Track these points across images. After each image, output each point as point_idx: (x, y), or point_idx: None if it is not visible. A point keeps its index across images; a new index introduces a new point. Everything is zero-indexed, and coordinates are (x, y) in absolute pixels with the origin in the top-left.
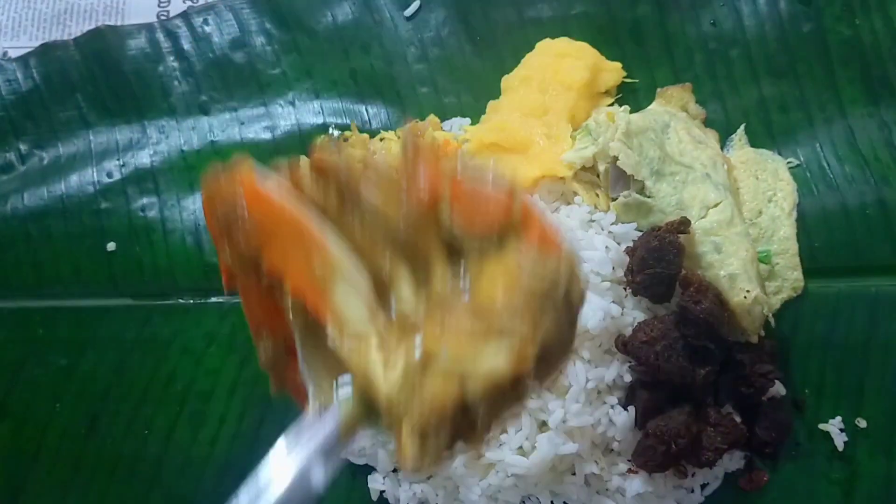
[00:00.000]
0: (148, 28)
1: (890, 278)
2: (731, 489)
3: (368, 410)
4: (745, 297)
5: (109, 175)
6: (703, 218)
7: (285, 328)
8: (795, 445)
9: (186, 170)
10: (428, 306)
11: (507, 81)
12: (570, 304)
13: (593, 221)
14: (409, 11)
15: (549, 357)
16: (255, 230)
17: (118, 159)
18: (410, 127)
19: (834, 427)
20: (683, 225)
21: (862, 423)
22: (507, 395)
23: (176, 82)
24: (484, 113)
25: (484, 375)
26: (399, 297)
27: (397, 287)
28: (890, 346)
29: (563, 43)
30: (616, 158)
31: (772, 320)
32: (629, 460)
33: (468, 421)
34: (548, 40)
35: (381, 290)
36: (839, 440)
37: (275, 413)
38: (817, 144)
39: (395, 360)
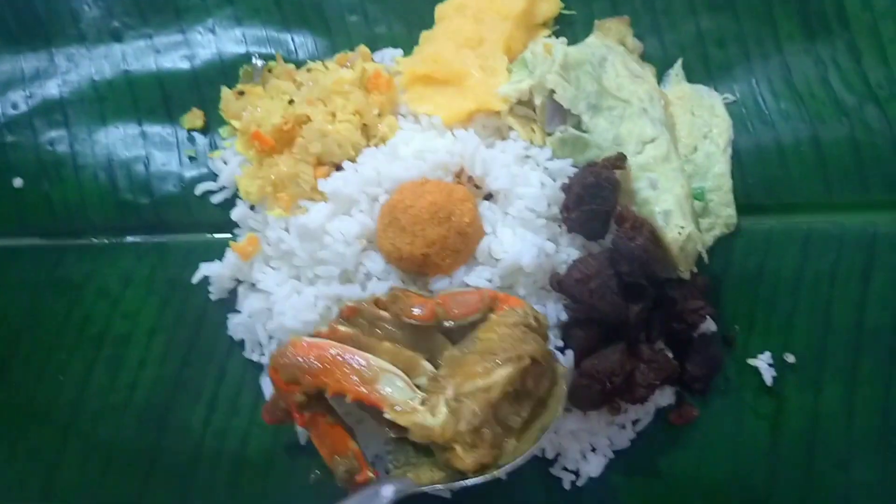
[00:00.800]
0: None
1: (821, 215)
2: (661, 424)
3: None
4: (680, 234)
5: (15, 106)
6: (639, 154)
7: (346, 447)
8: (725, 381)
9: (98, 101)
10: (447, 368)
11: (440, 10)
12: (540, 325)
13: (529, 157)
14: None
15: (538, 364)
16: (314, 371)
17: (24, 90)
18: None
19: (763, 362)
20: (619, 161)
21: (790, 359)
22: (521, 396)
23: (86, 7)
24: (417, 44)
25: (500, 384)
26: (424, 371)
27: (421, 366)
28: (819, 282)
29: None
30: (552, 92)
31: (705, 256)
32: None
33: (504, 425)
34: None
35: (411, 371)
36: (768, 375)
37: (198, 355)
38: (753, 80)
39: (437, 405)
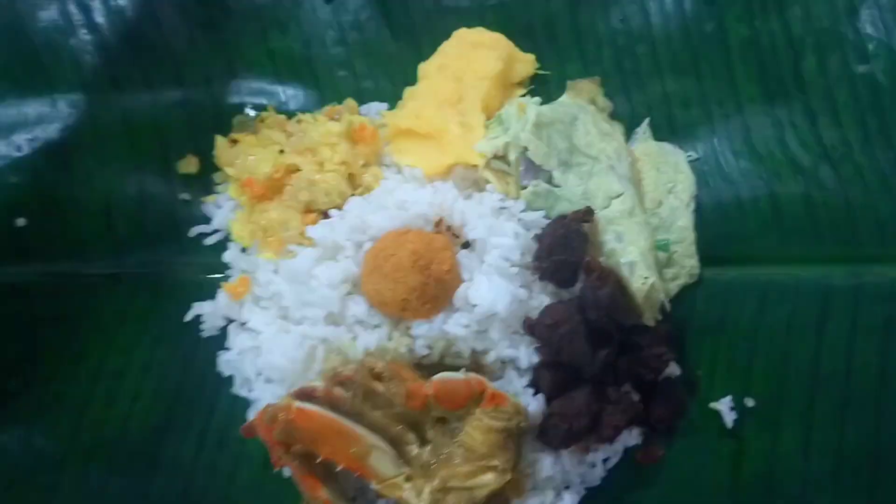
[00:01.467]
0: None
1: (779, 267)
2: (630, 463)
3: None
4: (644, 284)
5: (18, 149)
6: (606, 208)
7: (317, 495)
8: (689, 422)
9: (98, 145)
10: (435, 452)
11: (423, 68)
12: (521, 431)
13: (504, 209)
14: None
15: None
16: (306, 437)
17: (27, 133)
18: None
19: (724, 406)
20: (588, 214)
21: (750, 403)
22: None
23: (88, 56)
24: (401, 98)
25: (484, 491)
26: (411, 452)
27: (410, 446)
28: (777, 330)
29: (479, 33)
30: (526, 149)
31: (667, 305)
32: (535, 439)
33: None
34: (464, 29)
35: (401, 450)
36: (729, 418)
37: (189, 390)
38: (715, 139)
39: (422, 488)
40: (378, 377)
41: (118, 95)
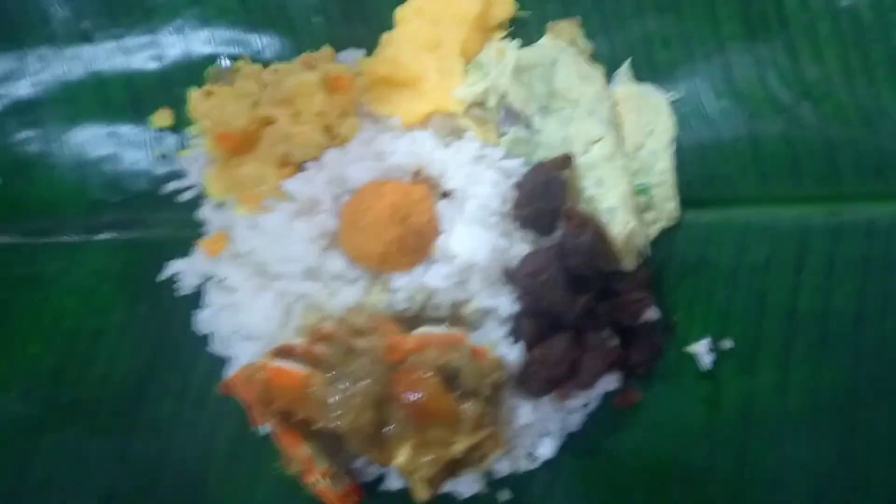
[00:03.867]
0: None
1: (758, 208)
2: (609, 408)
3: None
4: (624, 229)
5: None
6: (586, 153)
7: (297, 450)
8: (666, 366)
9: (69, 101)
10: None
11: (400, 13)
12: (499, 386)
13: (483, 157)
14: None
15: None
16: (285, 396)
17: None
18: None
19: (702, 348)
20: (567, 161)
21: (728, 345)
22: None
23: (56, 7)
24: (378, 44)
25: (460, 446)
26: (391, 414)
27: (389, 407)
28: (755, 272)
29: None
30: (506, 94)
31: (647, 249)
32: (515, 386)
33: (455, 465)
34: None
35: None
36: (706, 360)
37: (168, 349)
38: (696, 79)
39: (401, 443)
40: (359, 333)
41: (88, 48)
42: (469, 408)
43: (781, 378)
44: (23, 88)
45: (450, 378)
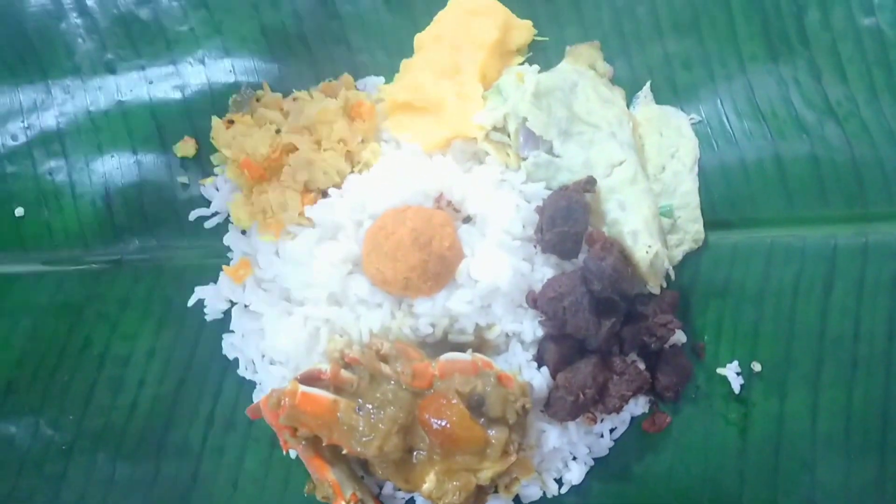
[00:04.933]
0: None
1: (784, 229)
2: (637, 432)
3: None
4: (648, 252)
5: (14, 138)
6: (608, 176)
7: (325, 477)
8: (695, 389)
9: (94, 131)
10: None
11: (419, 39)
12: (525, 411)
13: (504, 181)
14: None
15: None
16: (312, 422)
17: (23, 121)
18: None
19: (731, 371)
20: (589, 184)
21: (757, 367)
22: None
23: (80, 40)
24: (398, 71)
25: (488, 473)
26: (418, 440)
27: (415, 433)
28: (783, 293)
29: (475, 0)
30: (525, 119)
31: (671, 273)
32: (542, 411)
33: (482, 491)
34: None
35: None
36: (736, 383)
37: (195, 374)
38: (718, 100)
39: (428, 471)
40: (384, 358)
41: (112, 79)
42: (496, 434)
43: (812, 401)
44: (49, 119)
45: (476, 405)
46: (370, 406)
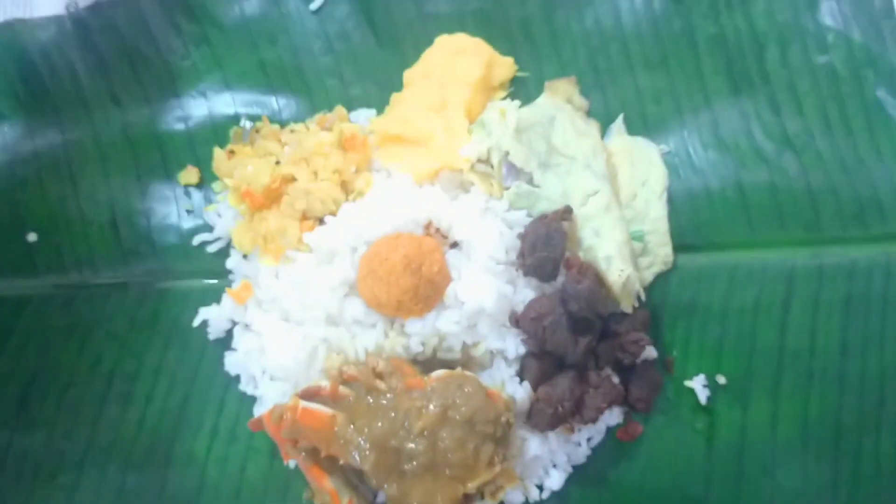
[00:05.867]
0: (57, 21)
1: (745, 252)
2: (612, 440)
3: None
4: (620, 275)
5: (25, 166)
6: (583, 205)
7: (323, 486)
8: (666, 400)
9: (102, 161)
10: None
11: (408, 75)
12: (509, 425)
13: (488, 209)
14: (314, 6)
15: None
16: (311, 435)
17: (33, 150)
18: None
19: (698, 384)
20: (567, 213)
21: (721, 380)
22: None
23: (86, 74)
24: (388, 103)
25: (475, 482)
26: (410, 454)
27: (407, 447)
28: (745, 311)
29: (460, 39)
30: (508, 153)
31: (642, 294)
32: (524, 422)
33: (469, 499)
34: (446, 36)
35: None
36: (702, 395)
37: (199, 389)
38: (685, 132)
39: (420, 486)
40: (380, 376)
41: (118, 111)
42: (483, 447)
43: (772, 411)
44: (58, 148)
45: (467, 421)
46: (366, 421)
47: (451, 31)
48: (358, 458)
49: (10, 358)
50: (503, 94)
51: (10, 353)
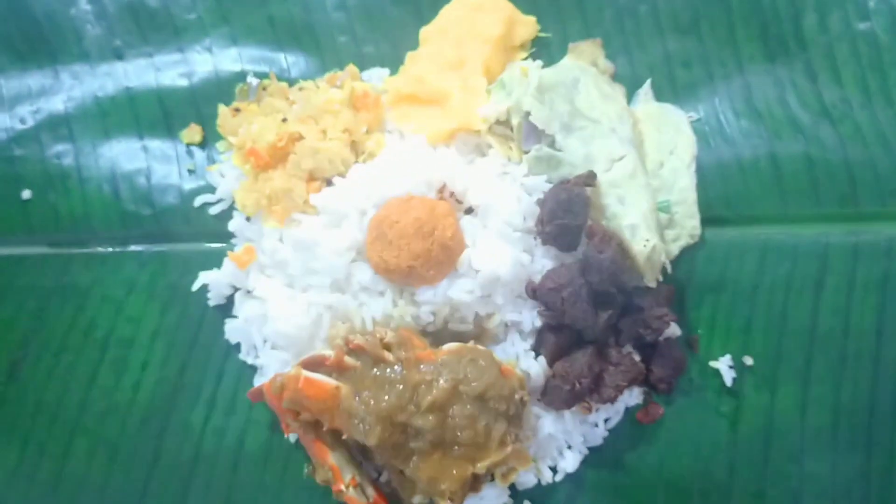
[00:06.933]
0: None
1: (777, 227)
2: (631, 422)
3: None
4: (645, 246)
5: (22, 121)
6: (608, 171)
7: (325, 461)
8: (689, 381)
9: (101, 116)
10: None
11: (424, 32)
12: (523, 403)
13: (506, 173)
14: None
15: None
16: (314, 406)
17: (31, 105)
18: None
19: (723, 364)
20: (590, 178)
21: (749, 361)
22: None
23: (89, 26)
24: (402, 63)
25: (485, 462)
26: (418, 429)
27: (415, 423)
28: (775, 289)
29: None
30: (528, 113)
31: (668, 266)
32: (538, 399)
33: (479, 480)
34: None
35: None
36: (728, 376)
37: (198, 357)
38: (716, 99)
39: (427, 464)
40: (387, 347)
41: (120, 65)
42: (495, 426)
43: (802, 395)
44: (57, 103)
45: (479, 397)
46: (372, 395)
47: None
48: (363, 433)
49: (2, 320)
50: (524, 55)
51: (2, 316)
